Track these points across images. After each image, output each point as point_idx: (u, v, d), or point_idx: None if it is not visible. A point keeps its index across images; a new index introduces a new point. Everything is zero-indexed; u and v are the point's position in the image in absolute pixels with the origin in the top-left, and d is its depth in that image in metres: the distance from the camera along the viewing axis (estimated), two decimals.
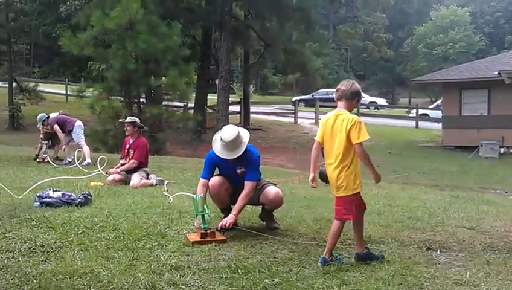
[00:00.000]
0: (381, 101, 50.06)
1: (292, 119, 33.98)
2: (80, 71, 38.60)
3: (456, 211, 7.57)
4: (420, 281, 4.40)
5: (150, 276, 4.24)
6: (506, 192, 13.86)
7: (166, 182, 9.21)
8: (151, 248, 4.96)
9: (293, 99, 42.20)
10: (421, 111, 36.25)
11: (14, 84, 29.33)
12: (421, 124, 32.99)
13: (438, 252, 5.25)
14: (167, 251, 4.90)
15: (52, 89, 36.55)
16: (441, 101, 35.36)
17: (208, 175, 5.81)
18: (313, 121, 33.85)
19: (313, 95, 44.03)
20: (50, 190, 6.92)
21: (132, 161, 9.32)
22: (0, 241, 4.94)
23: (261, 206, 6.04)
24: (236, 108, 31.40)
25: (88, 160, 12.24)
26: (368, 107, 44.56)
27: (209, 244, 5.11)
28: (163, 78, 20.44)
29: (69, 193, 6.94)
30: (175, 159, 16.01)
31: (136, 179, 9.04)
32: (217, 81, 27.85)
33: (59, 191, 6.98)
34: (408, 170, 19.03)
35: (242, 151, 5.60)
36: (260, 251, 5.04)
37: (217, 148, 5.64)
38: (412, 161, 21.48)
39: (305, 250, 5.15)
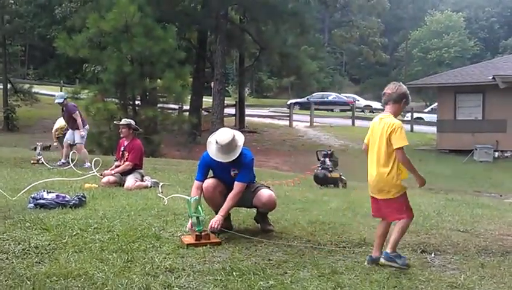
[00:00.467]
0: (377, 105, 50.09)
1: (287, 122, 34.00)
2: (74, 73, 38.56)
3: (451, 214, 7.59)
4: (415, 284, 4.41)
5: (145, 278, 4.23)
6: (501, 195, 13.90)
7: (161, 184, 9.19)
8: (146, 250, 4.95)
9: (288, 102, 42.26)
10: (415, 115, 36.30)
11: (9, 86, 29.25)
12: (416, 127, 33.04)
13: (433, 255, 5.26)
14: (162, 253, 4.90)
15: (47, 90, 36.43)
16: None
17: (202, 177, 5.80)
18: (308, 124, 33.90)
19: (308, 98, 44.08)
20: (44, 191, 6.90)
21: (127, 162, 9.30)
22: None
23: (255, 209, 6.03)
24: (232, 111, 31.41)
25: (88, 163, 12.12)
26: (363, 111, 44.62)
27: (204, 247, 5.09)
28: (159, 80, 20.42)
29: (63, 195, 6.92)
30: (170, 161, 15.99)
31: (130, 181, 9.02)
32: (212, 84, 27.88)
33: (53, 192, 6.96)
34: None
35: (237, 155, 5.59)
36: (255, 254, 5.03)
37: (212, 151, 5.62)
38: None
39: (299, 253, 5.14)
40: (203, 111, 29.44)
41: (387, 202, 4.82)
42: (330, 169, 11.27)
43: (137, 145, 9.49)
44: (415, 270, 4.73)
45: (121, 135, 9.66)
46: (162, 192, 8.13)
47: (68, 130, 13.33)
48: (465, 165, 21.54)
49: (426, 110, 43.32)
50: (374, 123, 4.91)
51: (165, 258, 4.75)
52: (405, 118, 38.01)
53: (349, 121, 35.47)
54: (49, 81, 43.35)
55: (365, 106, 47.28)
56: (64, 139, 13.30)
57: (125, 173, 9.26)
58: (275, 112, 40.79)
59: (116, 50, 19.16)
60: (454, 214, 7.69)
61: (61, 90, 34.91)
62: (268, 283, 4.25)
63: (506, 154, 23.60)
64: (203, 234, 5.25)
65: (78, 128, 13.01)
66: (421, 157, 23.58)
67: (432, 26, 66.52)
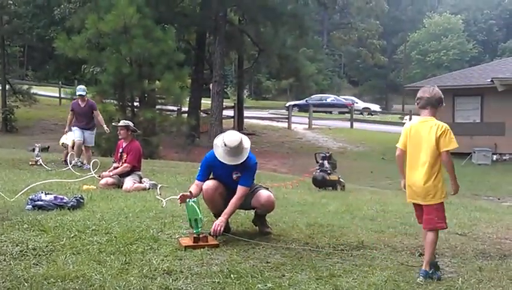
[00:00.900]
0: (375, 107, 50.25)
1: (286, 124, 34.02)
2: (73, 74, 38.54)
3: (449, 218, 7.48)
4: (412, 287, 4.41)
5: (142, 280, 4.22)
6: (499, 199, 13.92)
7: (159, 186, 9.18)
8: (144, 252, 4.95)
9: (287, 104, 42.29)
10: (414, 117, 36.30)
11: (8, 87, 29.21)
12: None
13: None
14: (159, 255, 4.89)
15: (46, 91, 36.48)
16: None
17: (203, 178, 5.80)
18: (307, 126, 33.92)
19: (306, 101, 44.14)
20: (42, 192, 6.89)
21: (125, 164, 9.29)
22: None
23: (253, 211, 6.03)
24: (230, 112, 31.41)
25: (88, 165, 12.00)
26: (361, 113, 44.73)
27: (202, 249, 5.09)
28: (157, 82, 20.42)
29: (61, 196, 6.92)
30: (168, 163, 15.99)
31: (129, 182, 9.01)
32: (210, 86, 27.88)
33: (51, 194, 6.95)
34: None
35: (245, 157, 5.60)
36: (253, 256, 5.03)
37: (219, 153, 5.59)
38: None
39: (298, 255, 5.14)
40: (201, 113, 29.44)
41: (430, 207, 4.72)
42: (329, 171, 11.27)
43: (135, 146, 9.48)
44: (413, 274, 4.72)
45: (120, 137, 9.65)
46: (160, 194, 8.13)
47: (73, 128, 12.79)
48: (463, 168, 21.50)
49: None
50: (414, 127, 4.83)
51: (163, 260, 4.74)
52: (404, 120, 38.15)
53: (348, 124, 35.53)
54: (47, 82, 43.30)
55: (364, 108, 47.37)
56: (75, 139, 12.72)
57: (124, 175, 9.25)
58: (273, 114, 40.83)
59: (115, 51, 19.15)
60: (452, 217, 7.67)
61: (60, 91, 35.00)
62: (266, 285, 4.25)
63: (504, 158, 23.61)
64: (201, 236, 5.25)
65: (92, 128, 12.87)
66: None
67: (431, 29, 66.59)
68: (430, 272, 4.61)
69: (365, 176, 19.63)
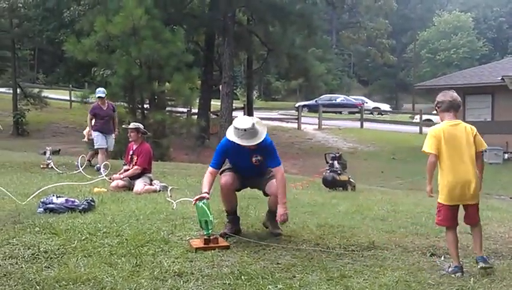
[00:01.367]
0: (385, 107, 50.12)
1: (295, 125, 33.99)
2: (83, 77, 38.67)
3: (460, 217, 7.52)
4: (424, 288, 4.39)
5: (153, 282, 4.24)
6: (511, 198, 13.83)
7: (170, 188, 9.20)
8: (155, 254, 4.96)
9: (297, 105, 42.27)
10: (424, 116, 36.18)
11: (18, 90, 29.38)
12: (425, 129, 32.88)
13: (442, 258, 5.23)
14: (170, 257, 4.90)
15: (56, 94, 36.64)
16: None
17: (217, 165, 5.72)
18: (316, 126, 33.87)
19: (316, 101, 44.07)
20: (54, 195, 6.92)
21: (136, 166, 9.31)
22: (3, 248, 4.94)
23: (264, 214, 6.07)
24: (240, 114, 31.41)
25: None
26: (371, 113, 44.58)
27: (213, 251, 5.09)
28: (167, 83, 20.46)
29: (72, 199, 6.95)
30: (178, 165, 16.01)
31: (139, 185, 9.03)
32: (220, 87, 27.89)
33: (63, 197, 6.98)
34: (412, 175, 18.96)
35: (262, 138, 5.50)
36: (263, 257, 5.03)
37: (235, 138, 5.47)
38: (416, 166, 21.37)
39: (308, 256, 5.13)
40: (211, 114, 29.48)
41: (475, 206, 4.89)
42: (339, 172, 11.24)
43: (146, 149, 9.51)
44: (424, 274, 4.70)
45: (130, 139, 9.68)
46: (171, 196, 8.14)
47: (94, 133, 12.58)
48: None
49: (435, 111, 43.11)
50: (446, 130, 4.85)
51: (174, 262, 4.75)
52: (414, 120, 38.04)
53: (358, 124, 35.42)
54: (58, 85, 43.50)
55: (374, 108, 47.21)
56: (100, 146, 12.49)
57: (134, 177, 9.28)
58: (283, 114, 40.80)
59: (124, 53, 19.21)
60: (462, 216, 7.64)
61: (70, 94, 35.13)
62: (276, 286, 4.25)
63: None
64: (211, 237, 5.25)
65: (112, 131, 12.77)
66: None
67: (440, 27, 66.30)
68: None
69: (375, 176, 19.57)
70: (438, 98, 5.03)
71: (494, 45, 69.16)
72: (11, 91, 29.62)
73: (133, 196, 8.26)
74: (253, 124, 5.48)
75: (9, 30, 28.92)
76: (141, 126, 9.81)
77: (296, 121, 34.25)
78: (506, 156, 23.22)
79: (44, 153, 13.32)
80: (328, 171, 11.31)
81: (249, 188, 6.16)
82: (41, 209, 6.54)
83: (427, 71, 62.00)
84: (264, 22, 28.58)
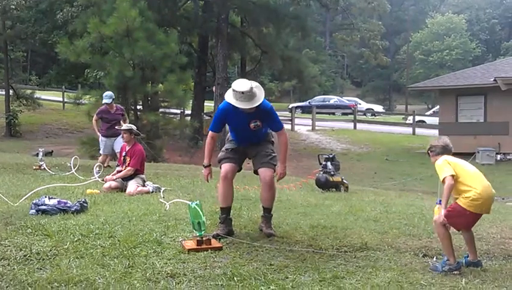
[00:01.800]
0: (378, 108, 50.17)
1: (289, 126, 33.96)
2: (76, 78, 38.62)
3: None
4: (416, 288, 4.40)
5: (146, 283, 4.23)
6: (503, 198, 13.87)
7: (163, 189, 9.19)
8: (147, 255, 4.95)
9: (290, 106, 42.30)
10: (417, 118, 36.30)
11: (11, 92, 29.30)
12: (418, 130, 33.02)
13: (435, 259, 5.24)
14: (163, 258, 4.90)
15: (49, 96, 36.57)
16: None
17: (217, 128, 5.83)
18: (310, 128, 33.90)
19: (309, 102, 44.10)
20: (46, 197, 6.90)
21: (128, 168, 9.29)
22: None
23: (260, 217, 6.13)
24: None
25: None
26: (364, 114, 44.64)
27: (205, 252, 5.09)
28: (160, 85, 20.46)
29: (64, 201, 6.93)
30: (172, 166, 16.00)
31: (132, 186, 9.02)
32: (213, 88, 27.90)
33: (55, 198, 6.96)
34: (405, 176, 19.07)
35: (261, 100, 5.55)
36: (256, 258, 5.03)
37: (233, 100, 5.51)
38: (408, 167, 21.51)
39: (301, 257, 5.13)
40: (204, 115, 29.47)
41: None
42: (332, 173, 11.24)
43: (138, 150, 9.48)
44: (416, 275, 4.72)
45: (123, 140, 9.67)
46: (163, 197, 8.13)
47: (102, 138, 12.29)
48: None
49: (428, 113, 43.31)
50: (448, 158, 5.09)
51: (166, 263, 4.75)
52: (407, 121, 38.14)
53: (351, 125, 35.48)
54: (51, 86, 43.39)
55: (367, 109, 47.25)
56: (104, 152, 12.38)
57: (127, 179, 9.26)
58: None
59: (117, 55, 19.21)
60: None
61: (63, 96, 35.03)
62: (269, 288, 4.26)
63: (508, 157, 23.55)
64: (204, 239, 5.25)
65: (119, 134, 11.95)
66: (424, 160, 23.54)
67: (433, 29, 66.42)
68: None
69: (368, 177, 19.61)
70: (431, 143, 5.28)
71: (487, 47, 69.44)
72: (4, 92, 29.53)
73: (125, 197, 8.24)
74: (252, 88, 5.50)
75: (1, 32, 28.84)
76: (134, 127, 9.79)
77: (290, 122, 34.24)
78: (498, 157, 23.29)
79: (37, 155, 13.27)
80: (321, 172, 11.31)
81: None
82: (34, 210, 6.52)
83: (420, 73, 62.10)
84: (257, 23, 28.62)
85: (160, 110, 20.85)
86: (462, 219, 4.94)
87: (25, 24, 33.33)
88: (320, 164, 11.63)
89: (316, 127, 34.06)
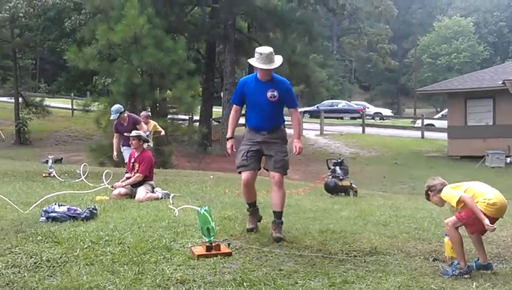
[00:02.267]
0: (387, 112, 50.07)
1: None
2: (85, 85, 38.76)
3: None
4: None
5: None
6: None
7: (172, 195, 9.21)
8: (157, 261, 4.96)
9: (298, 110, 42.15)
10: (426, 121, 36.18)
11: (20, 99, 29.44)
12: (427, 134, 32.92)
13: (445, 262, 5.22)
14: (172, 264, 4.90)
15: (58, 103, 36.73)
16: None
17: (238, 101, 6.39)
18: (318, 132, 33.85)
19: (317, 107, 44.05)
20: (56, 204, 6.93)
21: (137, 174, 9.32)
22: (6, 257, 4.95)
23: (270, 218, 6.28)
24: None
25: None
26: (373, 118, 44.56)
27: (215, 258, 5.09)
28: (168, 91, 20.51)
29: (74, 207, 6.95)
30: (180, 172, 16.03)
31: (141, 192, 9.04)
32: (221, 94, 27.95)
33: (65, 205, 6.98)
34: (414, 180, 18.97)
35: (279, 64, 6.02)
36: (265, 264, 5.03)
37: (254, 61, 5.99)
38: (418, 171, 21.40)
39: (310, 262, 5.13)
40: (213, 121, 29.52)
41: None
42: (341, 177, 11.23)
43: (147, 156, 9.51)
44: (426, 279, 4.70)
45: (131, 147, 9.70)
46: (172, 203, 8.14)
47: (123, 148, 11.89)
48: (476, 172, 21.37)
49: (437, 116, 43.12)
50: (452, 185, 5.17)
51: (176, 269, 4.75)
52: (416, 125, 38.02)
53: (360, 129, 35.42)
54: (60, 94, 43.57)
55: (375, 113, 47.17)
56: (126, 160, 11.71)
57: (136, 185, 9.28)
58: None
59: (125, 62, 19.29)
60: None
61: (72, 103, 35.17)
62: None
63: None
64: (213, 244, 5.25)
65: None
66: (433, 164, 23.52)
67: (441, 32, 66.25)
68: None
69: (377, 181, 19.54)
70: (428, 183, 5.24)
71: (495, 49, 69.13)
72: (13, 100, 29.68)
73: (135, 204, 8.26)
74: (271, 52, 5.99)
75: (10, 40, 29.02)
76: (143, 134, 9.84)
77: None
78: (508, 160, 23.14)
79: (47, 162, 13.34)
80: (330, 176, 11.30)
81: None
82: (44, 218, 6.55)
83: (428, 76, 61.88)
84: (264, 29, 28.66)
85: (169, 116, 20.91)
86: (480, 224, 4.90)
87: (34, 32, 33.49)
88: (329, 168, 11.62)
89: (324, 132, 34.01)
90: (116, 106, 11.80)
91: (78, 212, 6.78)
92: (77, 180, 11.46)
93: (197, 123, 27.47)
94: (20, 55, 34.86)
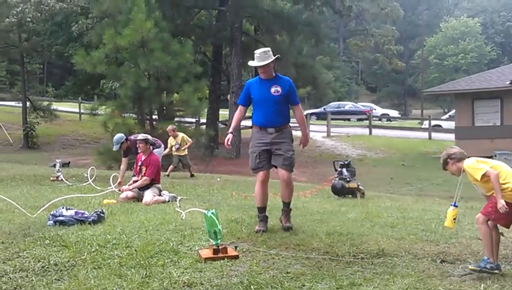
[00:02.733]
0: (394, 113, 49.96)
1: None
2: (92, 89, 38.88)
3: (470, 223, 7.49)
4: None
5: None
6: None
7: (179, 198, 9.23)
8: (164, 264, 4.97)
9: (305, 112, 42.08)
10: (433, 122, 36.07)
11: (28, 104, 29.57)
12: (434, 135, 32.82)
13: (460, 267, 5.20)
14: (180, 267, 4.91)
15: (66, 107, 36.85)
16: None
17: (243, 101, 6.84)
18: (325, 134, 33.81)
19: (324, 109, 44.01)
20: (63, 208, 6.96)
21: (144, 177, 9.35)
22: (14, 261, 4.97)
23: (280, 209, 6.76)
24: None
25: None
26: (380, 119, 44.49)
27: (222, 261, 5.10)
28: (175, 94, 20.56)
29: (82, 211, 6.98)
30: (187, 175, 16.04)
31: (148, 195, 9.07)
32: (228, 97, 27.95)
33: (72, 209, 7.01)
34: (421, 181, 18.94)
35: (271, 59, 6.52)
36: (272, 266, 5.03)
37: (252, 62, 6.63)
38: (425, 172, 21.35)
39: (317, 265, 5.12)
40: (220, 124, 29.52)
41: None
42: (348, 179, 11.21)
43: (154, 159, 9.54)
44: (434, 281, 4.69)
45: (139, 150, 9.74)
46: (180, 206, 8.16)
47: None
48: None
49: (444, 117, 43.01)
50: (480, 159, 5.23)
51: (183, 272, 4.76)
52: (423, 126, 37.92)
53: (367, 130, 35.35)
54: (67, 98, 43.75)
55: (382, 114, 47.08)
56: None
57: (143, 188, 9.31)
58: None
59: (133, 65, 19.35)
60: (473, 222, 7.55)
61: (79, 107, 35.24)
62: None
63: None
64: (220, 247, 5.26)
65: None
66: (440, 166, 23.42)
67: (448, 33, 66.06)
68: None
69: (385, 182, 19.49)
70: (447, 151, 5.32)
71: (502, 49, 68.87)
72: (21, 105, 29.81)
73: (142, 207, 8.28)
74: (265, 51, 6.62)
75: (18, 44, 29.15)
76: (150, 137, 9.87)
77: None
78: None
79: (54, 166, 13.40)
80: (337, 178, 11.28)
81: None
82: (51, 221, 6.58)
83: (436, 77, 61.75)
84: (271, 31, 28.65)
85: (176, 119, 20.93)
86: (504, 214, 4.84)
87: (41, 37, 33.64)
88: (336, 170, 11.60)
89: (331, 133, 33.96)
90: (117, 137, 11.42)
91: (86, 215, 6.81)
92: (85, 184, 11.50)
93: (204, 126, 27.47)
94: (28, 60, 35.02)
